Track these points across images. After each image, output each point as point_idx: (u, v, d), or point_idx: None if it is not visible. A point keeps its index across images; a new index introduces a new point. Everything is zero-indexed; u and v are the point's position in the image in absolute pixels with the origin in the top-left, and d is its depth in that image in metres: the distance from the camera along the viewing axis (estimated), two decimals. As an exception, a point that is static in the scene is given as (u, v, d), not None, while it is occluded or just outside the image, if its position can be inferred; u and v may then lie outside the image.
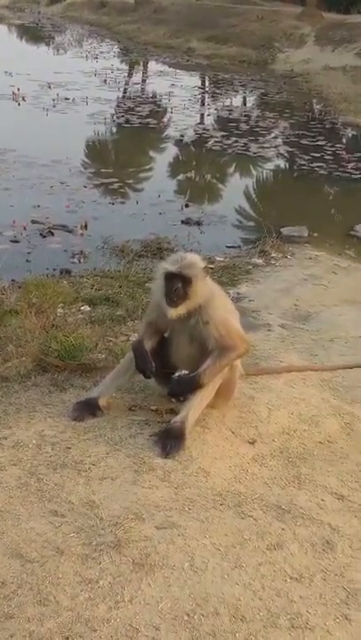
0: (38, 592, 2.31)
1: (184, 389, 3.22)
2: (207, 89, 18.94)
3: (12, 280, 5.78)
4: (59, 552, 2.47)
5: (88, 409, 3.32)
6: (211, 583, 2.41)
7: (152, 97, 16.72)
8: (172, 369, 3.32)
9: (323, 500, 2.90)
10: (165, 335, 3.41)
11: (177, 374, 3.23)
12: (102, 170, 10.08)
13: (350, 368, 4.13)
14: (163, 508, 2.72)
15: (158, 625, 2.23)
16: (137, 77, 20.35)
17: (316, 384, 3.86)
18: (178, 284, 3.11)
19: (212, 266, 6.50)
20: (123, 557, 2.47)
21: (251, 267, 6.60)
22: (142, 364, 3.28)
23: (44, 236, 7.17)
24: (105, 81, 17.88)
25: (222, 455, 3.11)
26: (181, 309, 3.16)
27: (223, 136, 12.63)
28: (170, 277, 3.14)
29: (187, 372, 3.22)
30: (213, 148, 11.91)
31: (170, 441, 3.07)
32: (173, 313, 3.16)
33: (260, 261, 6.79)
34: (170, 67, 21.46)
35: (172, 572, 2.43)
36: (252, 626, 2.26)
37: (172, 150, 12.15)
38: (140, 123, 13.39)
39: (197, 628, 2.24)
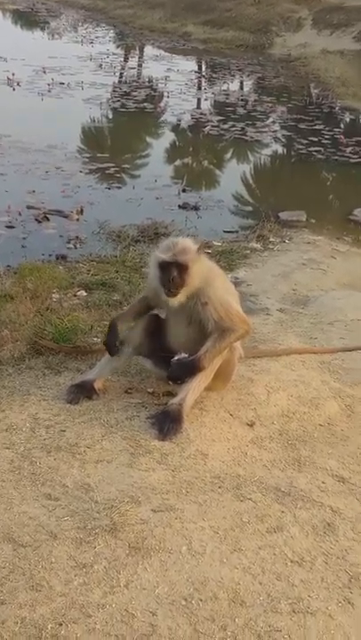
0: (31, 577, 2.24)
1: (184, 373, 3.14)
2: (204, 73, 18.74)
3: (8, 266, 5.73)
4: (52, 536, 2.40)
5: (83, 391, 3.26)
6: (209, 567, 2.35)
7: (148, 81, 16.54)
8: (169, 352, 3.25)
9: (323, 483, 2.84)
10: (163, 317, 3.34)
11: (176, 357, 3.16)
12: (98, 155, 9.97)
13: (350, 351, 4.07)
14: (160, 491, 2.66)
15: (155, 610, 2.17)
16: (133, 62, 20.13)
17: (316, 367, 3.79)
18: (174, 273, 3.04)
19: (209, 251, 6.45)
20: (118, 541, 2.40)
21: (248, 251, 6.53)
22: (110, 339, 3.28)
23: (40, 222, 7.10)
24: (100, 65, 17.68)
25: (220, 438, 3.05)
26: (181, 297, 3.10)
27: (220, 121, 12.50)
28: (165, 266, 3.06)
29: (186, 355, 3.15)
30: (210, 132, 11.79)
31: (167, 423, 3.00)
32: (174, 302, 3.11)
33: (257, 246, 6.71)
34: (166, 51, 21.24)
35: (170, 555, 2.37)
36: (251, 610, 2.20)
37: (168, 135, 12.02)
38: (136, 107, 13.25)
39: (195, 612, 2.18)
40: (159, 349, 3.31)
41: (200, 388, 3.15)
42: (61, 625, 2.09)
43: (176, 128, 12.25)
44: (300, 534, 2.54)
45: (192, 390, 3.12)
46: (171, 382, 3.28)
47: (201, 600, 2.22)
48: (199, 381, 3.14)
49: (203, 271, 3.12)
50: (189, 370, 3.12)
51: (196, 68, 19.43)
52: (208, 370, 3.14)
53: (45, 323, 3.91)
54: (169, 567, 2.33)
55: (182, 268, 3.05)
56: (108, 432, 3.00)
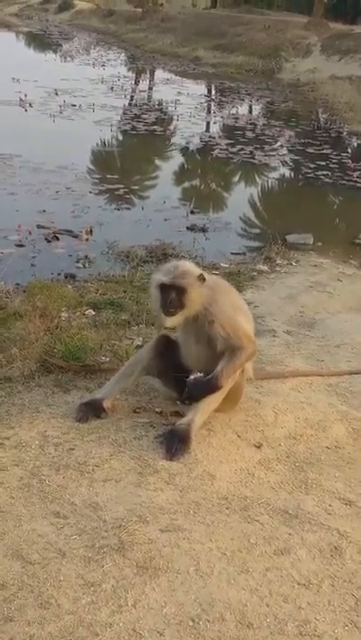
0: (39, 595, 2.25)
1: (201, 392, 3.15)
2: (213, 97, 18.99)
3: (17, 284, 5.74)
4: (61, 554, 2.42)
5: (92, 410, 3.28)
6: (217, 588, 2.35)
7: (158, 104, 16.75)
8: (182, 370, 3.27)
9: (330, 506, 2.84)
10: (174, 337, 3.37)
11: (192, 377, 3.17)
12: (108, 176, 10.07)
13: (357, 374, 4.08)
14: (167, 511, 2.67)
15: (162, 630, 2.17)
16: (143, 85, 20.42)
17: (323, 389, 3.81)
18: (172, 295, 3.06)
19: (216, 272, 6.49)
20: (126, 560, 2.41)
21: (255, 273, 6.55)
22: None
23: (49, 241, 7.14)
24: (112, 88, 17.93)
25: (228, 459, 3.06)
26: (178, 318, 3.12)
27: (229, 144, 12.62)
28: (164, 288, 3.09)
29: (201, 374, 3.16)
30: (219, 155, 11.91)
31: (175, 443, 3.02)
32: (169, 322, 3.14)
33: (264, 268, 6.74)
34: (176, 75, 21.55)
35: (177, 576, 2.38)
36: (258, 632, 2.20)
37: (177, 157, 12.14)
38: (145, 130, 13.40)
39: (203, 633, 2.18)
40: (171, 368, 3.32)
41: (210, 409, 3.17)
42: (69, 643, 2.09)
43: (185, 151, 12.36)
44: (308, 557, 2.54)
45: (201, 411, 3.14)
46: (187, 402, 3.26)
47: (208, 621, 2.22)
48: (209, 403, 3.16)
49: (203, 295, 3.11)
50: (207, 389, 3.13)
51: (205, 92, 19.70)
52: (220, 391, 3.15)
53: (55, 341, 3.95)
54: (177, 587, 2.33)
55: (181, 291, 3.06)
56: (117, 451, 3.02)
